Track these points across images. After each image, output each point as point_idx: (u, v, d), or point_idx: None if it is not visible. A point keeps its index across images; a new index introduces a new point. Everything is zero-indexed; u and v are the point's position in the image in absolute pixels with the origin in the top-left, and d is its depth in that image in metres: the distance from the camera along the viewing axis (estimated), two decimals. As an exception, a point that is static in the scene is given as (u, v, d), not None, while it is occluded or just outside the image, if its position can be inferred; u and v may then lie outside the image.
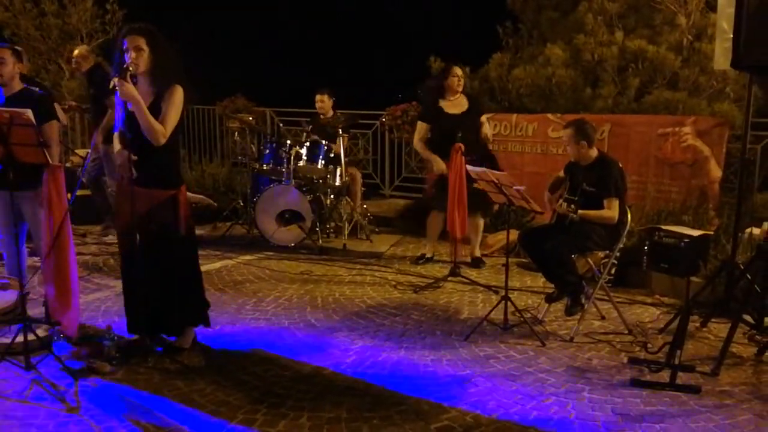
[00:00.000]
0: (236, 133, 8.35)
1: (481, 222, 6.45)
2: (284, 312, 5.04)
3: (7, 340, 4.00)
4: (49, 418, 3.35)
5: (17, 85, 4.47)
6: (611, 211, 4.66)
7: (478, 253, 6.49)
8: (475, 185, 5.04)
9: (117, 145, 3.92)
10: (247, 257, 6.63)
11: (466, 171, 5.24)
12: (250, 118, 8.19)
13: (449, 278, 5.89)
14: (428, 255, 6.54)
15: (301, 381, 3.87)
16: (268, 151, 7.31)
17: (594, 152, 4.81)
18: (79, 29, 11.03)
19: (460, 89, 6.16)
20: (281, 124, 10.20)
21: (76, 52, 7.24)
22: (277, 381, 3.85)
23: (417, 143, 6.33)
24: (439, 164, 6.03)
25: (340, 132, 7.04)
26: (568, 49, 8.57)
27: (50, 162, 3.78)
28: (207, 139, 10.84)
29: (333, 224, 7.44)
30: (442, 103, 6.16)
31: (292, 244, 6.93)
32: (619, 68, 8.18)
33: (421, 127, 6.28)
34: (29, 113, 3.59)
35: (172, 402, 3.56)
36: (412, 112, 9.07)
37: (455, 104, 6.16)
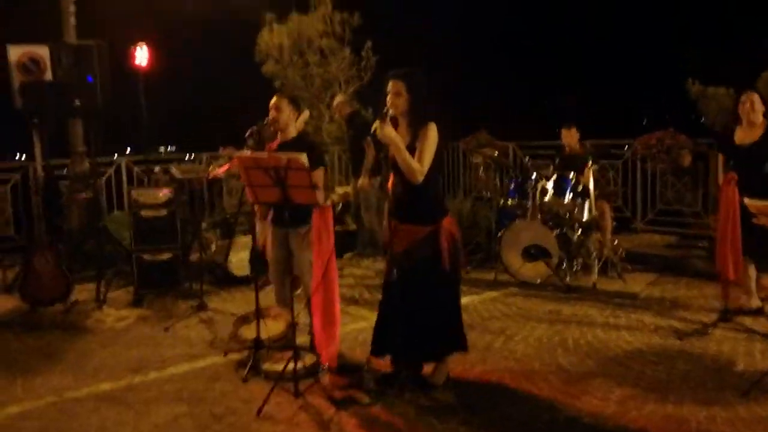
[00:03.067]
0: (480, 168, 8.41)
1: (752, 269, 5.59)
2: (534, 352, 4.89)
3: (279, 367, 4.36)
4: (316, 445, 3.56)
5: (292, 132, 4.88)
6: None
7: (756, 303, 5.63)
8: (755, 220, 4.47)
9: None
10: (493, 293, 6.57)
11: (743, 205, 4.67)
12: (495, 153, 8.21)
13: (719, 324, 5.30)
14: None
15: (558, 428, 3.69)
16: (512, 185, 7.27)
17: None
18: (338, 77, 11.99)
19: (754, 118, 5.36)
20: (525, 158, 10.09)
21: (337, 99, 7.95)
22: (530, 427, 3.72)
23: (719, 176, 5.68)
24: None
25: (589, 164, 6.76)
26: None
27: (320, 203, 4.08)
28: (450, 175, 11.08)
29: (581, 261, 7.12)
30: (737, 134, 5.56)
31: (538, 281, 6.75)
32: None
33: (720, 158, 5.72)
34: (304, 157, 3.91)
35: (427, 440, 3.59)
36: (668, 140, 8.47)
37: (746, 134, 5.49)
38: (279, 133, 4.85)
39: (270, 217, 4.98)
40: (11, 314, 6.17)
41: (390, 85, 4.06)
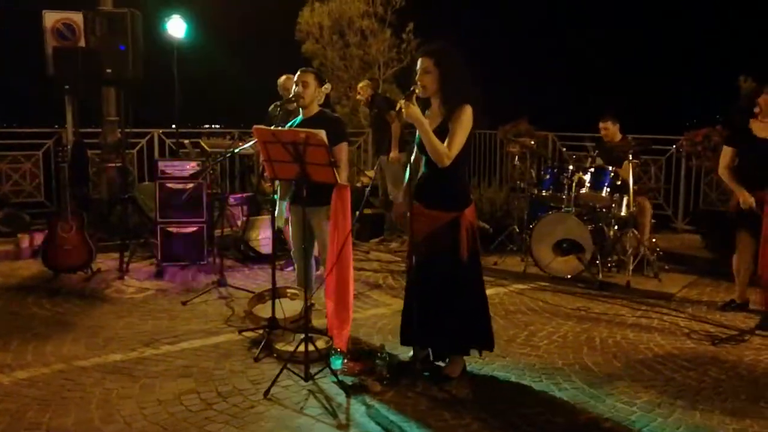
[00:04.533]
0: (516, 158, 8.16)
1: None
2: (558, 350, 4.67)
3: (292, 348, 4.24)
4: (320, 432, 3.43)
5: (314, 109, 4.74)
6: None
7: None
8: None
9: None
10: (520, 286, 6.36)
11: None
12: (532, 143, 7.95)
13: (757, 332, 5.01)
14: (738, 301, 5.63)
15: (575, 432, 3.49)
16: (548, 176, 7.02)
17: None
18: (377, 59, 11.80)
19: None
20: (564, 149, 9.79)
21: (360, 84, 8.27)
22: (548, 428, 3.53)
23: (722, 170, 5.53)
24: (744, 197, 5.23)
25: (629, 157, 6.46)
26: None
27: (338, 181, 3.92)
28: (487, 163, 10.85)
29: (616, 258, 6.84)
30: (754, 126, 5.33)
31: (569, 276, 6.50)
32: None
33: (726, 151, 5.49)
34: (322, 134, 3.75)
35: (437, 434, 3.43)
36: (715, 137, 8.11)
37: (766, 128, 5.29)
38: (301, 109, 4.70)
39: (288, 195, 4.86)
40: (34, 279, 6.20)
41: (419, 62, 3.88)
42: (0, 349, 4.46)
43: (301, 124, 4.59)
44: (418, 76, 3.87)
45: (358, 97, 8.29)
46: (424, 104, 3.97)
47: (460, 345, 4.13)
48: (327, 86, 4.80)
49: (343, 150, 4.59)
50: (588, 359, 4.50)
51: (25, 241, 7.09)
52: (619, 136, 7.19)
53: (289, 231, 4.99)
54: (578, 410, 3.74)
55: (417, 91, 3.84)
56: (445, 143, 3.78)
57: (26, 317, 5.16)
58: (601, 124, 7.21)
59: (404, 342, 4.20)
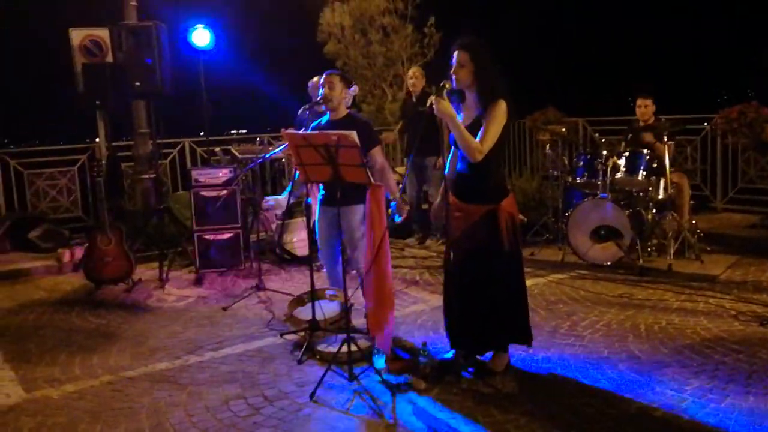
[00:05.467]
0: (547, 146, 8.05)
1: None
2: (602, 339, 4.60)
3: (334, 349, 4.24)
4: (368, 432, 3.42)
5: (343, 111, 4.70)
6: None
7: None
8: None
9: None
10: (559, 276, 6.28)
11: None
12: (563, 129, 7.84)
13: (808, 310, 4.89)
14: None
15: (627, 423, 3.43)
16: (581, 163, 6.92)
17: None
18: (401, 55, 11.76)
19: None
20: (596, 134, 9.66)
21: (414, 69, 7.72)
22: (598, 419, 3.47)
23: None
24: None
25: (665, 139, 6.34)
26: None
27: (372, 181, 3.91)
28: (517, 153, 10.76)
29: (656, 242, 6.72)
30: None
31: (608, 263, 6.41)
32: None
33: None
34: (354, 135, 3.74)
35: (486, 431, 3.39)
36: (751, 113, 7.91)
37: None
38: (330, 111, 4.69)
39: (317, 196, 4.85)
40: (77, 293, 6.30)
41: (454, 56, 3.85)
42: (48, 363, 4.55)
43: (328, 127, 4.58)
44: (453, 69, 3.84)
45: (411, 88, 7.83)
46: (459, 98, 3.95)
47: (498, 341, 4.09)
48: (355, 89, 4.77)
49: (379, 153, 4.59)
50: (634, 347, 4.43)
51: (65, 255, 7.21)
52: (652, 118, 7.06)
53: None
54: (627, 400, 3.68)
55: (447, 86, 3.82)
56: (478, 138, 3.75)
57: (71, 330, 5.24)
58: (640, 101, 7.06)
59: (455, 345, 4.15)
